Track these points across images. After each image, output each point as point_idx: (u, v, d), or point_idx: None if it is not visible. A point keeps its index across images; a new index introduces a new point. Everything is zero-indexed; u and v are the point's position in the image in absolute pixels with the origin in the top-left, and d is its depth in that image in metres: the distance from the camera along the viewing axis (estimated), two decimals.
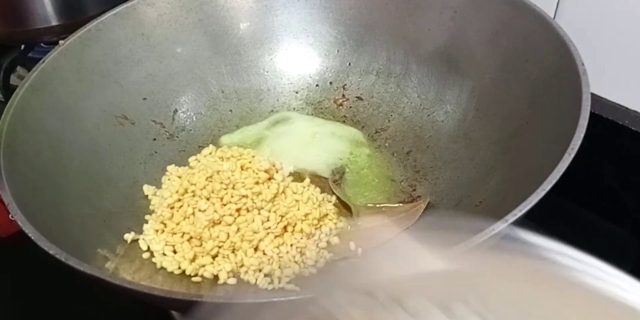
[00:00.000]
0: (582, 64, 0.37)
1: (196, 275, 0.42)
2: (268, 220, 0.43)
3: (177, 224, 0.44)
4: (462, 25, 0.49)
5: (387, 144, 0.53)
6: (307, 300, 0.26)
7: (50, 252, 0.31)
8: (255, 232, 0.42)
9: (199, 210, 0.43)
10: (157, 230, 0.44)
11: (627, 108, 0.52)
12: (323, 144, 0.53)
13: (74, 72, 0.48)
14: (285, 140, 0.53)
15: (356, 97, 0.56)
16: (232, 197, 0.44)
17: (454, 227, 0.29)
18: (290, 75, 0.57)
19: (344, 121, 0.55)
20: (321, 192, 0.47)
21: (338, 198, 0.48)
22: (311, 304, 0.24)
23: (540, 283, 0.22)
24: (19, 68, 0.71)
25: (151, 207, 0.47)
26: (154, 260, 0.43)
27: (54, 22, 0.63)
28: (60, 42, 0.48)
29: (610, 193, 0.53)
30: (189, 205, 0.44)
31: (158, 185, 0.49)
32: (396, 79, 0.54)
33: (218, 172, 0.45)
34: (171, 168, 0.50)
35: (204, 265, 0.42)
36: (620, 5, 0.49)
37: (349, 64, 0.56)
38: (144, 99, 0.52)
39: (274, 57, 0.57)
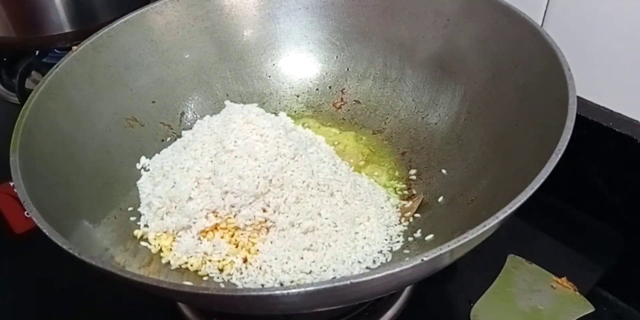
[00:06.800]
0: (569, 69, 0.37)
1: (202, 269, 0.42)
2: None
3: None
4: (455, 33, 0.49)
5: (383, 145, 0.53)
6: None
7: (64, 247, 0.31)
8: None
9: None
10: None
11: (611, 111, 0.52)
12: None
13: (86, 77, 0.48)
14: None
15: (354, 100, 0.56)
16: None
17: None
18: (292, 80, 0.57)
19: (343, 123, 0.55)
20: None
21: None
22: None
23: None
24: (33, 73, 0.71)
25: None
26: (162, 255, 0.43)
27: (67, 29, 0.63)
28: (73, 48, 0.48)
29: (596, 191, 0.53)
30: None
31: None
32: (392, 83, 0.54)
33: None
34: None
35: (210, 260, 0.42)
36: (605, 13, 0.49)
37: (347, 69, 0.56)
38: (153, 102, 0.52)
39: (276, 62, 0.57)
